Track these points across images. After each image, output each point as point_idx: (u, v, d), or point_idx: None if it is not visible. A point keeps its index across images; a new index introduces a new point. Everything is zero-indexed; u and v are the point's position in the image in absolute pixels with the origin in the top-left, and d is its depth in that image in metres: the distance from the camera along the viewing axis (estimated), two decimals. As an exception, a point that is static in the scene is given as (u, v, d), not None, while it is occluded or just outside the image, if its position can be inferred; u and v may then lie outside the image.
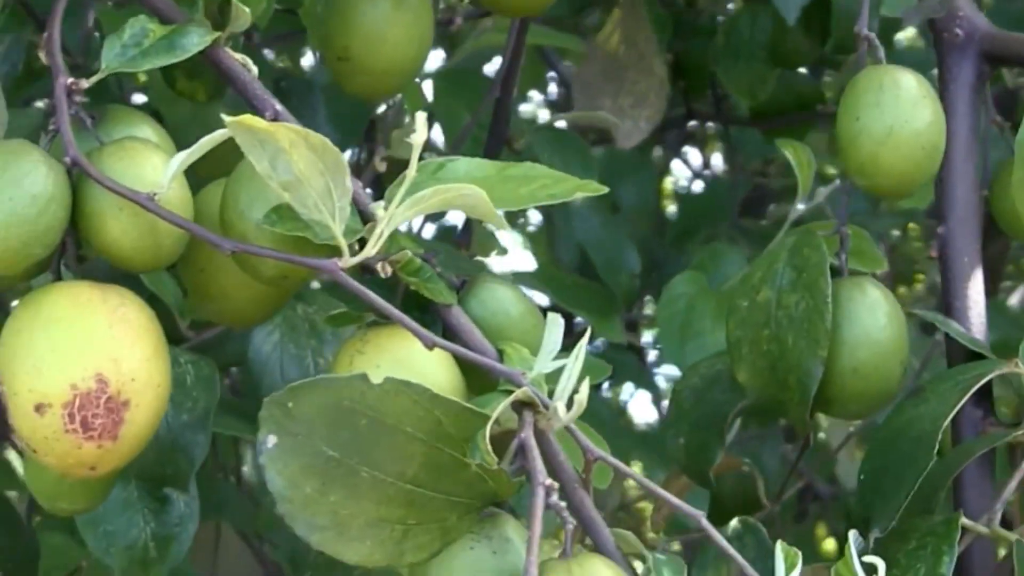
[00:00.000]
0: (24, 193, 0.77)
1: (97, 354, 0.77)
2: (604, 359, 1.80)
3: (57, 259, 0.82)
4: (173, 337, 1.08)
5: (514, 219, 2.28)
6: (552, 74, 2.08)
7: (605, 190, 0.86)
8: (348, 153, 1.96)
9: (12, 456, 1.60)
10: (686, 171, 2.53)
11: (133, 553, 1.04)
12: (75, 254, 0.83)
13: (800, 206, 1.40)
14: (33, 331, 0.78)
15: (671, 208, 2.47)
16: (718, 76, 1.66)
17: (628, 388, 2.40)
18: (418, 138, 0.78)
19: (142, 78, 1.28)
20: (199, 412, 1.00)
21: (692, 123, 2.10)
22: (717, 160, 2.49)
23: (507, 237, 2.04)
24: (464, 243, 1.35)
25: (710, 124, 2.25)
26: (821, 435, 2.94)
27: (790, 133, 1.77)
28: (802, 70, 1.80)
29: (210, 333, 1.12)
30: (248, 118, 0.76)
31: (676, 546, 1.47)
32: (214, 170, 0.87)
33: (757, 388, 0.96)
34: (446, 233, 1.83)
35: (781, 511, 1.86)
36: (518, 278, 1.50)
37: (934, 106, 0.98)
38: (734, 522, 1.16)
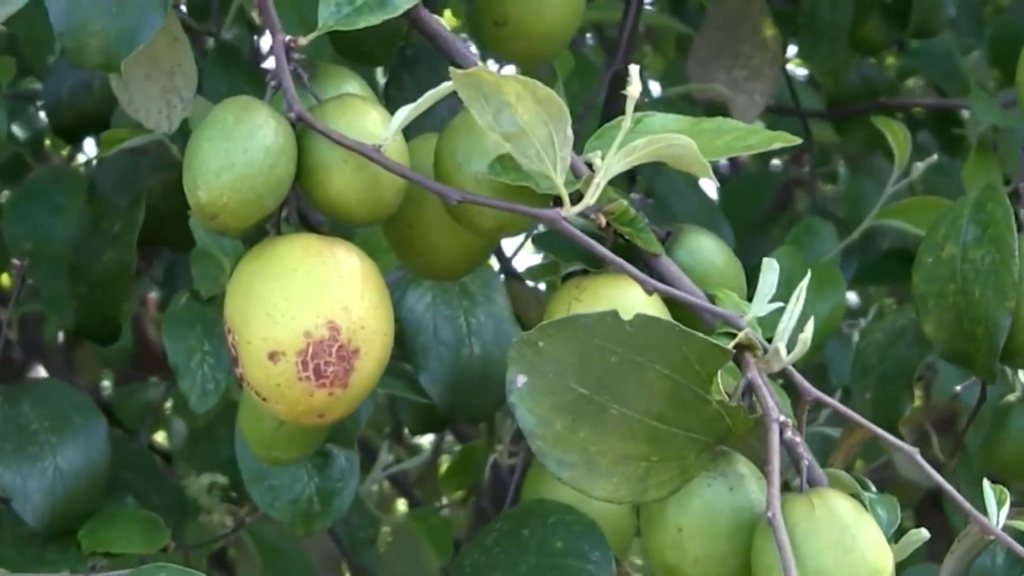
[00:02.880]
0: (258, 145, 0.79)
1: (329, 302, 0.79)
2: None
3: (279, 214, 0.84)
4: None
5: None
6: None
7: (799, 141, 0.88)
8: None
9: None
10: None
11: (298, 507, 1.06)
12: (296, 210, 0.84)
13: (894, 181, 1.43)
14: (266, 280, 0.79)
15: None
16: (800, 58, 1.68)
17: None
18: (633, 90, 0.80)
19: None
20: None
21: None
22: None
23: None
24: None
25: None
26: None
27: (861, 122, 1.80)
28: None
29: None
30: (477, 71, 0.77)
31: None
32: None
33: (944, 340, 0.98)
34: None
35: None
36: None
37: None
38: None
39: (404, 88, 1.15)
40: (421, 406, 1.28)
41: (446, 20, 1.61)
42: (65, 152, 1.83)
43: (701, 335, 0.74)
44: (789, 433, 0.76)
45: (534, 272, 0.89)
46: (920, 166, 1.46)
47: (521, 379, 0.73)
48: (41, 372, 2.08)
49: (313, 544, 1.98)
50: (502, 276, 1.14)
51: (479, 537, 0.96)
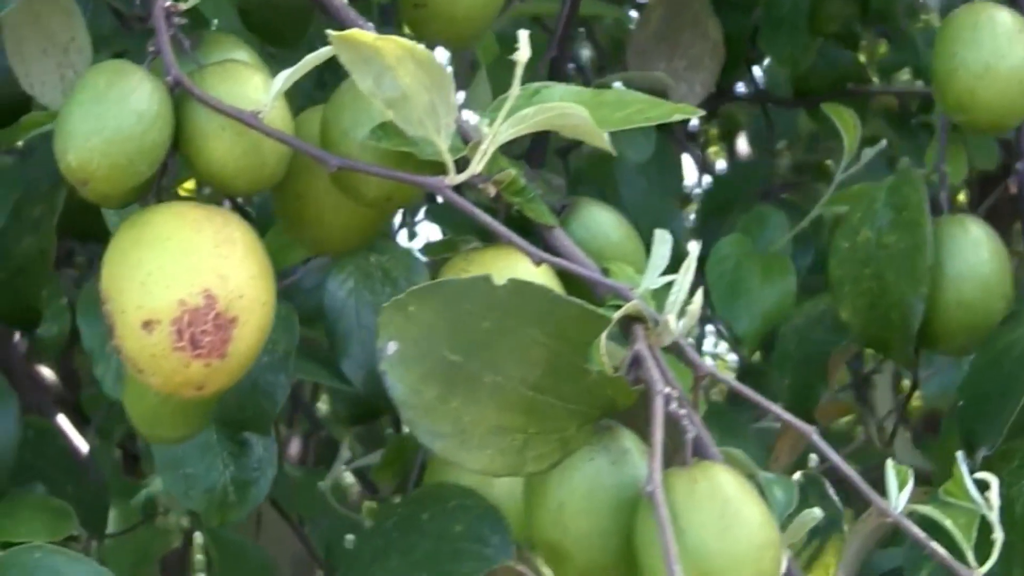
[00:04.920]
0: (130, 110, 0.77)
1: (205, 271, 0.76)
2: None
3: (158, 182, 0.81)
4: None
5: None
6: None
7: (702, 112, 0.86)
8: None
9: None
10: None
11: (212, 496, 1.03)
12: (173, 179, 0.82)
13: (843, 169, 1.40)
14: (140, 249, 0.77)
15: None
16: (760, 46, 1.65)
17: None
18: (522, 55, 0.78)
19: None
20: (279, 354, 0.99)
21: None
22: (742, 144, 2.49)
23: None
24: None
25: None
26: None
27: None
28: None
29: (282, 284, 1.12)
30: (354, 32, 0.75)
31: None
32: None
33: (860, 326, 0.96)
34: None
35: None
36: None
37: (1030, 42, 0.98)
38: (797, 475, 1.15)
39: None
40: (351, 396, 1.26)
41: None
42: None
43: (577, 301, 0.71)
44: (674, 406, 0.74)
45: (432, 248, 0.87)
46: (869, 152, 1.44)
47: (392, 346, 0.71)
48: (44, 372, 2.06)
49: (282, 546, 1.95)
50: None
51: (380, 522, 0.94)
